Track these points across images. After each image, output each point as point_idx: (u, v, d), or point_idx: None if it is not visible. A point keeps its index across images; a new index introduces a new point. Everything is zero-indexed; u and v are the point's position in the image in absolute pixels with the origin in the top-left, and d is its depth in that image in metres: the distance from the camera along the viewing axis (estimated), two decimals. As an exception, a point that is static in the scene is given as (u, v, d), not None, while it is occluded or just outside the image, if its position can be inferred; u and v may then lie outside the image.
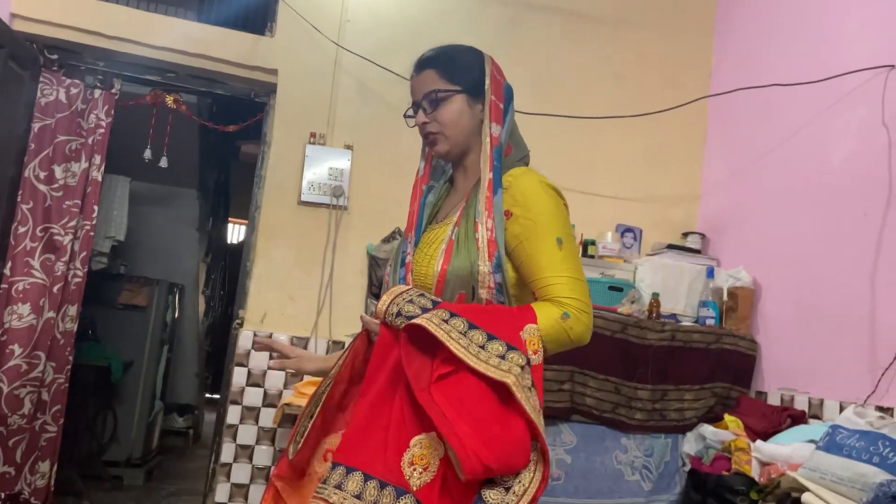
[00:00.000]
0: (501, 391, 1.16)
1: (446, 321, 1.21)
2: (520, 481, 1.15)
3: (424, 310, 1.25)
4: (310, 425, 1.33)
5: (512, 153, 1.48)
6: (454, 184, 1.58)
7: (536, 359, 1.22)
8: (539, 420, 1.17)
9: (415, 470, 1.16)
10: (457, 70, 1.47)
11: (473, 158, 1.49)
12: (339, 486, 1.16)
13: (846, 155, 2.71)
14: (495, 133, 1.43)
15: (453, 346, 1.17)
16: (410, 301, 1.27)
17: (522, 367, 1.17)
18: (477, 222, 1.36)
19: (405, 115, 1.54)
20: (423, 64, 1.50)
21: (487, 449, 1.11)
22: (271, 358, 2.96)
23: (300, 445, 1.32)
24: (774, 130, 3.11)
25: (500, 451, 1.13)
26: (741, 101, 3.30)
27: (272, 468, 2.91)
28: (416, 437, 1.18)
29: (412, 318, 1.23)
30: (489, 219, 1.35)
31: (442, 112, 1.46)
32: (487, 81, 1.46)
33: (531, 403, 1.16)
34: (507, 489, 1.15)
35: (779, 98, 3.06)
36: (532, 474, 1.16)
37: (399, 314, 1.25)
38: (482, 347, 1.18)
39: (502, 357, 1.17)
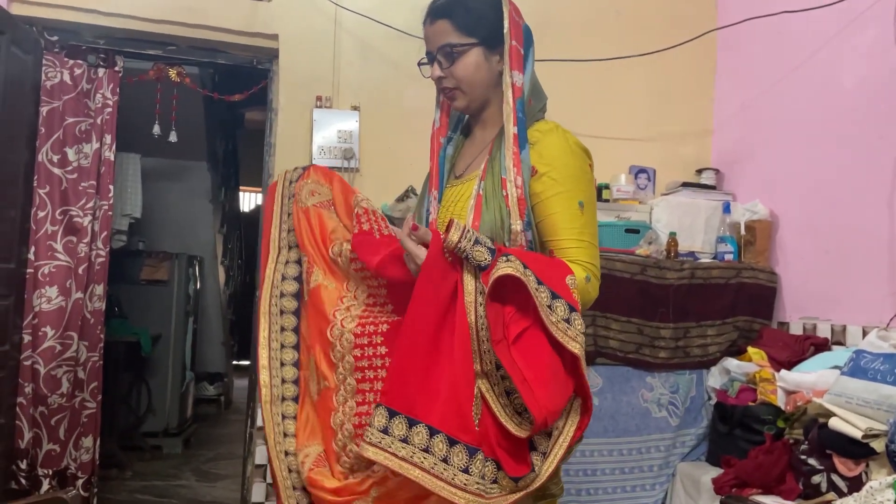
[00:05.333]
0: (563, 352, 1.17)
1: (525, 274, 1.16)
2: (556, 426, 1.18)
3: (491, 251, 1.19)
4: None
5: (532, 104, 1.40)
6: (471, 134, 1.52)
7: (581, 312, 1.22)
8: (587, 378, 1.19)
9: (476, 416, 1.18)
10: (472, 20, 1.37)
11: (493, 110, 1.43)
12: (405, 440, 1.14)
13: (859, 78, 2.67)
14: (517, 82, 1.35)
15: (540, 307, 1.15)
16: (477, 242, 1.19)
17: (584, 333, 1.18)
18: (504, 179, 1.32)
19: (419, 64, 1.47)
20: (436, 12, 1.40)
21: (555, 414, 1.14)
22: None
23: None
24: (785, 59, 3.05)
25: (559, 411, 1.16)
26: (750, 32, 3.24)
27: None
28: (476, 386, 1.18)
29: (483, 263, 1.17)
30: (518, 176, 1.31)
31: (458, 67, 1.38)
32: (506, 25, 1.36)
33: (584, 364, 1.18)
34: (549, 434, 1.18)
35: (788, 25, 3.00)
36: (565, 420, 1.18)
37: (469, 254, 1.18)
38: (550, 308, 1.16)
39: (568, 321, 1.17)
